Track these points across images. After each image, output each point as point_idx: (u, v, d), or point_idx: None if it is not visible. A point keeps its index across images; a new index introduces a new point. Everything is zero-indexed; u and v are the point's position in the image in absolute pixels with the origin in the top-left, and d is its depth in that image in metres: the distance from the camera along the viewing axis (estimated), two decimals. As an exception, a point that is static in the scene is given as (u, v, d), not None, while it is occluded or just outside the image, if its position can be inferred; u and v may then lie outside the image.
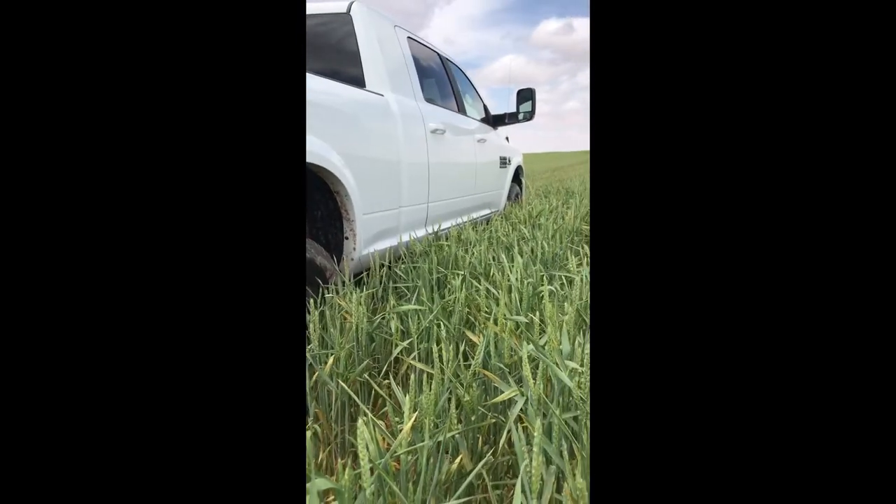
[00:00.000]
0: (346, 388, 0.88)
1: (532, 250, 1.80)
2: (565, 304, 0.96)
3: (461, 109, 3.08)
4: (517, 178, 4.23)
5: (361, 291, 1.39)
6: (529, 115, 3.51)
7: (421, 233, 2.29)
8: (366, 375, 1.01)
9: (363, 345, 1.03)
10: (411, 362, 0.99)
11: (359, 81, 2.08)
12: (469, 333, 0.93)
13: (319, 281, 1.51)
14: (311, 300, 1.41)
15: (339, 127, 1.65)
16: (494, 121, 3.57)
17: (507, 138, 4.04)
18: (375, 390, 1.06)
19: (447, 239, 2.23)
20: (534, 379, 0.66)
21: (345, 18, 2.14)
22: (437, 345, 0.93)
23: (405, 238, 2.13)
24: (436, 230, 2.42)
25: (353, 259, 1.78)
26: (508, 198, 3.93)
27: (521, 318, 0.87)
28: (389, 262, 1.65)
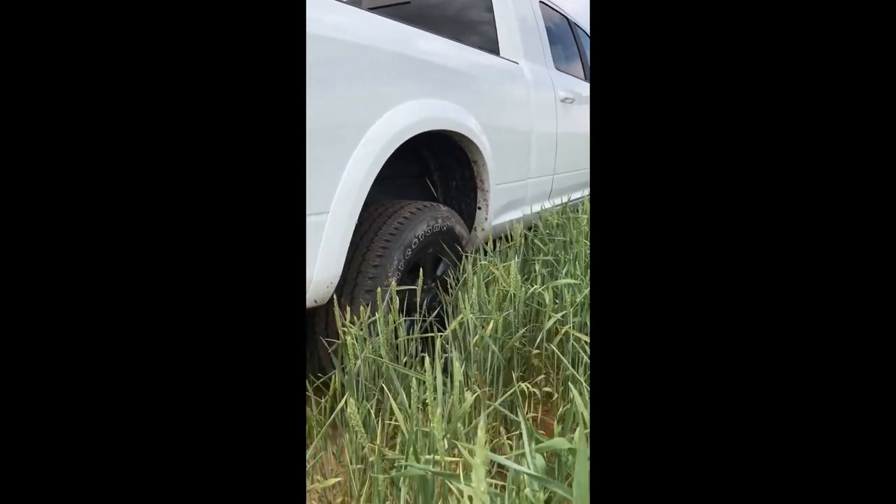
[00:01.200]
0: (498, 353, 0.89)
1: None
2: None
3: (587, 77, 2.94)
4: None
5: (505, 260, 1.39)
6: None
7: (544, 206, 2.25)
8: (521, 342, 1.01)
9: (519, 313, 1.03)
10: (571, 331, 0.98)
11: (493, 48, 2.05)
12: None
13: (459, 248, 1.54)
14: (451, 272, 1.44)
15: (477, 94, 1.64)
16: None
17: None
18: (529, 359, 1.07)
19: (579, 211, 2.16)
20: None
21: (480, -16, 2.11)
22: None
23: (531, 210, 2.10)
24: (566, 201, 2.36)
25: (483, 229, 1.79)
26: None
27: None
28: (526, 232, 1.64)
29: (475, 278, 1.06)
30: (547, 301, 1.05)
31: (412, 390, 0.74)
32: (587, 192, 2.86)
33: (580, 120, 2.54)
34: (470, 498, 0.50)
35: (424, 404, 0.78)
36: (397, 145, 1.25)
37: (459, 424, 0.72)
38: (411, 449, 0.57)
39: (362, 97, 1.18)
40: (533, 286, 1.12)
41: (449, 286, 1.36)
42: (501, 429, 0.92)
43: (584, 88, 2.73)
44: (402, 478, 0.58)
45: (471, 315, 0.96)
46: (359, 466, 0.81)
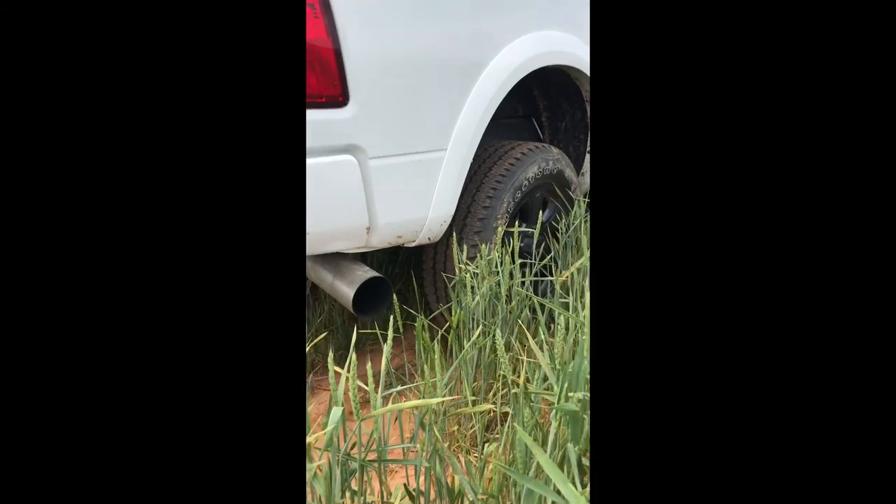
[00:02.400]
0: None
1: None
2: None
3: None
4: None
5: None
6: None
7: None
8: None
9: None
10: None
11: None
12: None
13: (569, 192, 1.49)
14: (562, 216, 1.39)
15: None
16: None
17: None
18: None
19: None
20: None
21: None
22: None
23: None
24: None
25: (589, 174, 1.71)
26: None
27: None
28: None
29: (584, 233, 1.02)
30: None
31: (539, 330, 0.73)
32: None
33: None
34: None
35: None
36: (514, 83, 1.20)
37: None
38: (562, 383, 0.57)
39: (479, 33, 1.14)
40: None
41: (559, 231, 1.33)
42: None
43: None
44: (555, 411, 0.59)
45: (587, 262, 0.93)
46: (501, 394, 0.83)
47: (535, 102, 1.73)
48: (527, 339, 0.81)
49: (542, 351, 0.75)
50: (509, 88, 1.19)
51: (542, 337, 0.78)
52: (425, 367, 0.84)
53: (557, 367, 0.64)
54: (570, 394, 0.58)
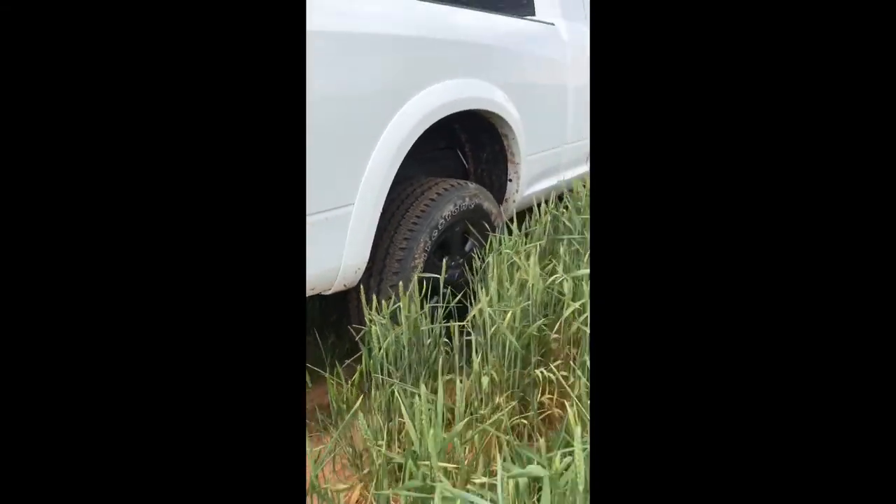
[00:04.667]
0: (514, 341, 0.93)
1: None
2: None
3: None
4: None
5: (528, 242, 1.40)
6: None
7: (582, 169, 2.20)
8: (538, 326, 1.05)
9: (537, 303, 1.06)
10: (582, 327, 1.01)
11: (529, 10, 1.96)
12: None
13: (486, 225, 1.56)
14: (477, 252, 1.46)
15: (507, 66, 1.60)
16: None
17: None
18: (546, 344, 1.11)
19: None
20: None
21: (515, -64, 1.99)
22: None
23: (568, 176, 2.07)
24: None
25: (514, 201, 1.79)
26: None
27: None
28: (554, 211, 1.63)
29: (495, 270, 1.09)
30: (566, 290, 1.08)
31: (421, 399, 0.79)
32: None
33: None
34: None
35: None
36: (420, 133, 1.26)
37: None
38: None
39: (384, 86, 1.19)
40: (553, 275, 1.15)
41: (474, 264, 1.40)
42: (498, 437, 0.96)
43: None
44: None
45: (488, 308, 1.00)
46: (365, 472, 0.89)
47: (457, 135, 1.80)
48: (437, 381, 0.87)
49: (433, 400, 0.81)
50: (413, 140, 1.24)
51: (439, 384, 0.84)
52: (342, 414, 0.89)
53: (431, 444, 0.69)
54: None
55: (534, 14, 1.95)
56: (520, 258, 1.16)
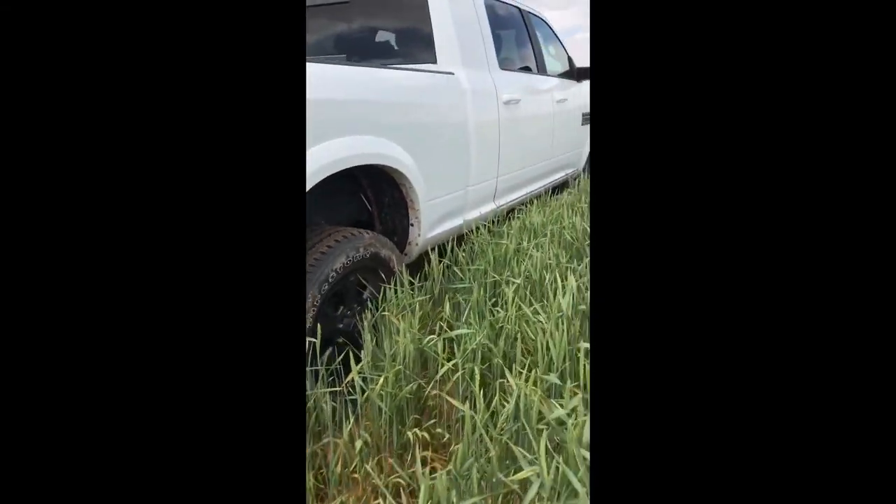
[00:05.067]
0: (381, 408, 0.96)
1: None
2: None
3: (541, 67, 2.92)
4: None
5: (417, 294, 1.45)
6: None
7: (489, 207, 2.29)
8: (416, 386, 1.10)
9: (410, 366, 1.11)
10: (447, 398, 1.07)
11: (431, 57, 2.04)
12: (508, 375, 0.98)
13: (383, 275, 1.60)
14: (367, 310, 1.50)
15: (403, 118, 1.66)
16: (579, 74, 3.34)
17: (592, 89, 3.78)
18: (424, 401, 1.16)
19: (510, 221, 2.22)
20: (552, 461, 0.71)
21: (418, -15, 2.06)
22: (479, 388, 0.98)
23: (472, 216, 2.15)
24: (515, 199, 2.40)
25: (416, 245, 1.84)
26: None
27: (555, 380, 0.90)
28: (450, 251, 1.69)
29: (368, 335, 1.13)
30: (439, 351, 1.13)
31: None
32: (541, 184, 2.89)
33: (528, 119, 2.54)
34: None
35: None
36: (311, 185, 1.29)
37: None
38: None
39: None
40: (432, 335, 1.20)
41: (368, 310, 1.43)
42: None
43: (535, 82, 2.72)
44: None
45: (357, 376, 1.04)
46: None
47: (360, 181, 1.83)
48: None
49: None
50: (307, 189, 1.27)
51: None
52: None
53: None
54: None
55: (435, 62, 2.03)
56: (401, 318, 1.20)
